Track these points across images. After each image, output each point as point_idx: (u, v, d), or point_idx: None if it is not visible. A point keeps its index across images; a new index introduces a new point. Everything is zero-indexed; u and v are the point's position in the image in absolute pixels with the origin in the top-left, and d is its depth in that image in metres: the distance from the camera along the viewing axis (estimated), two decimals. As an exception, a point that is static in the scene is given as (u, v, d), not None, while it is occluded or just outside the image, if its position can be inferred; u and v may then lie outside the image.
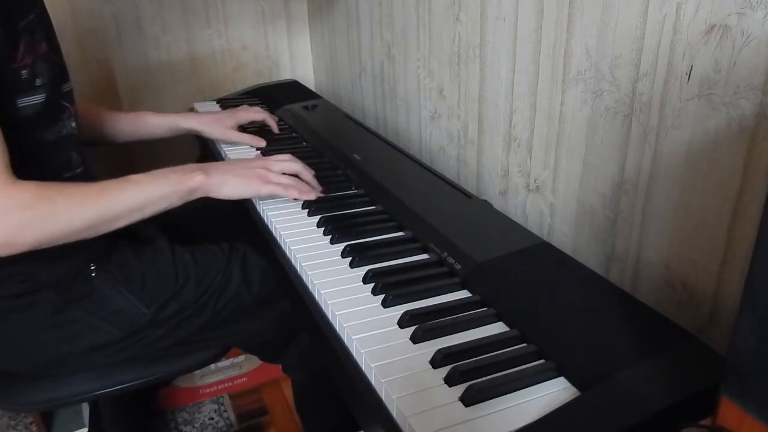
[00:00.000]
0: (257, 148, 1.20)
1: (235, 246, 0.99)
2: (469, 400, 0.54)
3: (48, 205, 0.74)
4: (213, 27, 1.67)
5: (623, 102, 0.74)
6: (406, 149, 1.17)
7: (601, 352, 0.59)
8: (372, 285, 0.72)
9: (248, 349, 1.14)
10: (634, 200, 0.76)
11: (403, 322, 0.65)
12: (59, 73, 0.86)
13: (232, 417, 1.50)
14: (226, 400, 1.55)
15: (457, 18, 1.05)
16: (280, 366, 1.13)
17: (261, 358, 1.18)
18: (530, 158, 0.93)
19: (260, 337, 1.02)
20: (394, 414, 0.55)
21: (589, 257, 0.85)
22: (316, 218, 0.89)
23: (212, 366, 1.54)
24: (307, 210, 0.92)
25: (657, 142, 0.71)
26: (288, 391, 1.55)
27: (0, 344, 0.86)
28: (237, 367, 1.57)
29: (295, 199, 0.92)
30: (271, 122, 1.28)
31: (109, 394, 0.94)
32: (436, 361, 0.59)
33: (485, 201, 0.92)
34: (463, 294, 0.71)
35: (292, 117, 1.37)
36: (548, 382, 0.57)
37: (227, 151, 1.21)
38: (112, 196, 0.79)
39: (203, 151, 1.39)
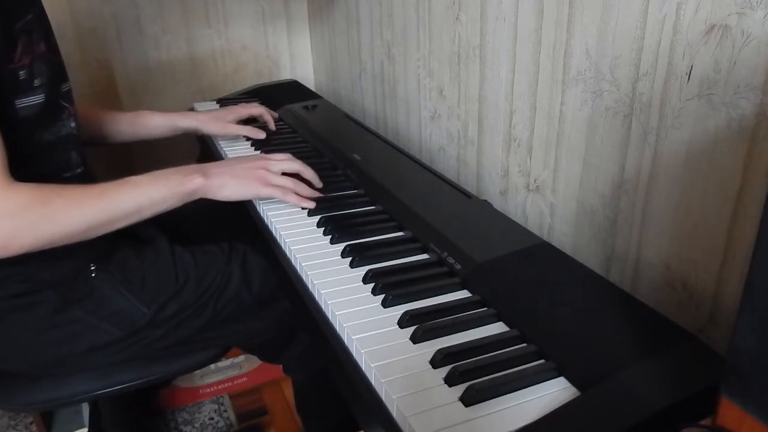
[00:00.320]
0: (256, 147, 1.20)
1: (235, 246, 0.99)
2: (469, 400, 0.54)
3: (45, 207, 0.74)
4: (213, 27, 1.67)
5: (623, 102, 0.74)
6: (406, 149, 1.17)
7: (601, 352, 0.59)
8: (372, 285, 0.72)
9: (248, 349, 1.14)
10: (634, 200, 0.76)
11: (403, 322, 0.65)
12: (58, 73, 0.86)
13: (232, 417, 1.50)
14: (226, 400, 1.55)
15: (457, 18, 1.05)
16: (280, 366, 1.13)
17: (261, 358, 1.18)
18: (530, 158, 0.93)
19: (260, 337, 1.02)
20: (394, 414, 0.55)
21: (589, 257, 0.85)
22: (316, 218, 0.89)
23: (212, 366, 1.54)
24: (307, 210, 0.92)
25: (657, 142, 0.71)
26: (288, 391, 1.55)
27: (0, 344, 0.86)
28: (237, 367, 1.57)
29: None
30: (268, 118, 1.28)
31: (109, 394, 0.94)
32: (436, 361, 0.59)
33: (485, 201, 0.92)
34: (463, 294, 0.71)
35: (292, 117, 1.37)
36: (548, 382, 0.57)
37: (227, 150, 1.21)
38: (110, 198, 0.79)
39: (203, 150, 1.39)
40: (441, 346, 0.60)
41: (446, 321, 0.65)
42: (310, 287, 0.75)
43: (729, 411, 0.45)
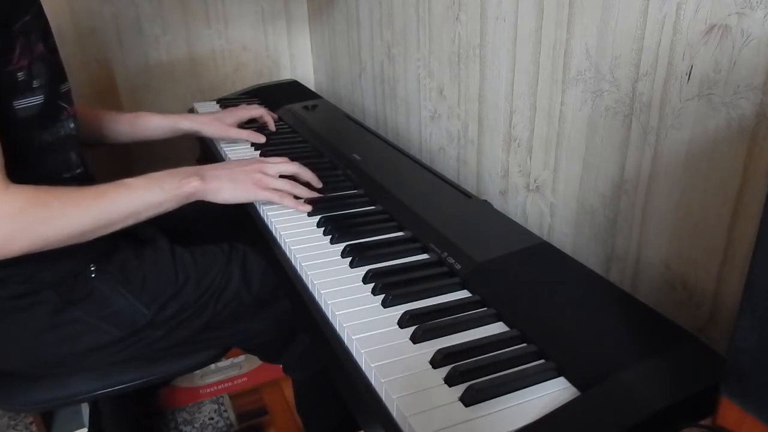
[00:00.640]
0: (256, 147, 1.20)
1: (235, 246, 0.99)
2: (469, 400, 0.54)
3: (43, 210, 0.74)
4: (213, 27, 1.67)
5: (623, 102, 0.74)
6: (406, 149, 1.17)
7: (601, 352, 0.59)
8: (372, 285, 0.72)
9: (248, 350, 1.14)
10: (634, 200, 0.76)
11: (403, 322, 0.65)
12: (57, 73, 0.86)
13: (232, 417, 1.50)
14: (226, 400, 1.55)
15: (457, 18, 1.05)
16: (280, 366, 1.13)
17: (261, 359, 1.18)
18: (530, 158, 0.93)
19: (260, 337, 1.02)
20: (394, 414, 0.55)
21: (589, 257, 0.85)
22: (316, 218, 0.89)
23: (212, 366, 1.54)
24: (310, 207, 0.92)
25: (657, 142, 0.71)
26: (288, 391, 1.55)
27: (0, 344, 0.86)
28: (237, 367, 1.57)
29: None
30: (268, 119, 1.28)
31: (109, 394, 0.94)
32: (436, 361, 0.59)
33: (485, 201, 0.92)
34: (463, 294, 0.71)
35: (292, 117, 1.37)
36: (548, 382, 0.57)
37: (227, 150, 1.21)
38: (107, 201, 0.79)
39: (203, 151, 1.39)
40: (441, 346, 0.60)
41: (446, 321, 0.65)
42: (310, 287, 0.75)
43: (729, 411, 0.45)
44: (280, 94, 1.55)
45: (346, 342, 0.65)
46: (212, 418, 1.50)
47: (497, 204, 1.00)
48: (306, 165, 0.97)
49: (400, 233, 0.86)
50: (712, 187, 0.65)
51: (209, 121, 1.20)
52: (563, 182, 0.88)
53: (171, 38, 1.63)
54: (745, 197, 0.62)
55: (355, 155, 1.09)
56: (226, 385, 1.57)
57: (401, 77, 1.30)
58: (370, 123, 1.45)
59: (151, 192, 0.83)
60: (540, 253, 0.76)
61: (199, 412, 1.51)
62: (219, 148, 1.23)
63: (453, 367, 0.57)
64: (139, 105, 1.62)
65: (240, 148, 1.22)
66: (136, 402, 1.40)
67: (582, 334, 0.61)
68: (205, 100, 1.63)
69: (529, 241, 0.78)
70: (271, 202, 0.92)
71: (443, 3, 1.08)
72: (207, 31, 1.67)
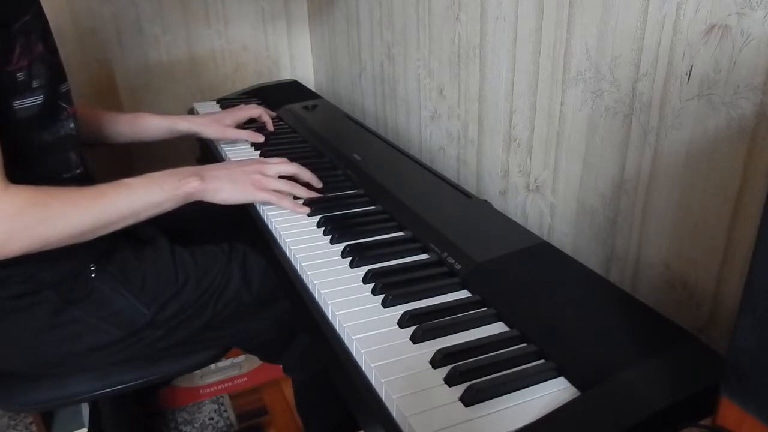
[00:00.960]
0: (256, 147, 1.20)
1: (235, 246, 0.99)
2: (469, 400, 0.54)
3: (42, 210, 0.74)
4: (213, 27, 1.67)
5: (623, 102, 0.74)
6: (406, 149, 1.17)
7: (601, 352, 0.59)
8: (372, 285, 0.72)
9: (248, 349, 1.14)
10: (634, 200, 0.76)
11: (403, 322, 0.65)
12: (57, 73, 0.86)
13: (232, 417, 1.50)
14: (226, 400, 1.55)
15: (457, 18, 1.05)
16: (280, 366, 1.13)
17: (261, 359, 1.18)
18: (530, 158, 0.93)
19: (260, 337, 1.02)
20: (394, 414, 0.55)
21: (589, 257, 0.85)
22: (316, 218, 0.89)
23: (212, 366, 1.54)
24: (308, 209, 0.92)
25: (657, 142, 0.71)
26: (288, 391, 1.55)
27: (0, 344, 0.86)
28: (237, 367, 1.57)
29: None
30: (267, 118, 1.28)
31: (109, 394, 0.94)
32: (436, 361, 0.59)
33: (485, 201, 0.92)
34: (463, 294, 0.71)
35: (292, 117, 1.37)
36: (548, 382, 0.57)
37: (227, 150, 1.21)
38: (106, 201, 0.79)
39: (203, 151, 1.39)
40: (441, 346, 0.60)
41: (446, 321, 0.65)
42: (310, 287, 0.75)
43: (729, 411, 0.45)
44: (280, 94, 1.55)
45: (346, 342, 0.65)
46: (212, 418, 1.50)
47: (497, 204, 1.00)
48: (306, 165, 0.97)
49: (400, 233, 0.86)
50: (712, 187, 0.65)
51: (208, 123, 1.20)
52: (563, 182, 0.88)
53: (171, 38, 1.63)
54: (745, 197, 0.62)
55: (355, 155, 1.09)
56: (226, 385, 1.57)
57: (401, 77, 1.30)
58: (370, 123, 1.45)
59: (150, 192, 0.83)
60: (540, 253, 0.76)
61: (199, 412, 1.51)
62: (219, 148, 1.23)
63: (453, 367, 0.57)
64: (139, 105, 1.62)
65: (240, 148, 1.22)
66: (136, 402, 1.40)
67: (582, 334, 0.61)
68: (205, 100, 1.63)
69: (529, 241, 0.78)
70: (268, 204, 0.92)
71: (443, 3, 1.08)
72: (207, 31, 1.67)
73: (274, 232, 0.89)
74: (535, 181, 0.93)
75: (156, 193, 0.83)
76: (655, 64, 0.69)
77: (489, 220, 0.86)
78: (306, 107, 1.42)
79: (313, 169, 0.98)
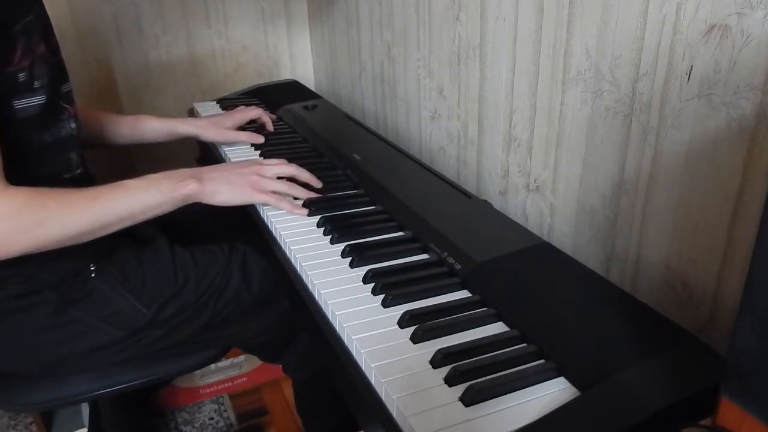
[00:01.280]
0: (256, 148, 1.20)
1: (235, 246, 0.99)
2: (469, 400, 0.54)
3: (39, 211, 0.74)
4: (213, 27, 1.67)
5: (623, 102, 0.74)
6: (406, 149, 1.17)
7: (601, 352, 0.59)
8: (372, 285, 0.72)
9: (248, 350, 1.14)
10: (634, 200, 0.76)
11: (403, 322, 0.65)
12: (58, 74, 0.86)
13: (232, 417, 1.50)
14: (226, 400, 1.55)
15: (457, 18, 1.05)
16: (280, 366, 1.13)
17: (261, 359, 1.18)
18: (530, 158, 0.93)
19: (260, 337, 1.02)
20: (394, 414, 0.55)
21: (589, 257, 0.85)
22: (316, 218, 0.89)
23: (212, 366, 1.54)
24: (307, 210, 0.92)
25: (657, 142, 0.71)
26: (288, 391, 1.54)
27: (0, 344, 0.86)
28: (237, 367, 1.57)
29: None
30: (266, 119, 1.29)
31: (109, 394, 0.94)
32: (436, 361, 0.59)
33: (485, 201, 0.92)
34: (463, 294, 0.71)
35: (292, 117, 1.37)
36: (548, 382, 0.57)
37: (227, 151, 1.21)
38: (104, 203, 0.79)
39: (203, 152, 1.39)
40: (441, 346, 0.60)
41: (446, 321, 0.65)
42: (310, 287, 0.75)
43: (729, 411, 0.45)
44: (280, 94, 1.55)
45: (346, 342, 0.65)
46: (212, 418, 1.50)
47: (497, 204, 1.00)
48: (306, 165, 0.97)
49: (400, 233, 0.86)
50: (712, 187, 0.65)
51: (207, 126, 1.20)
52: (563, 182, 0.88)
53: (171, 38, 1.63)
54: (745, 197, 0.62)
55: (355, 155, 1.09)
56: (226, 385, 1.57)
57: (401, 77, 1.30)
58: (370, 123, 1.45)
59: (148, 194, 0.83)
60: (540, 253, 0.76)
61: (199, 412, 1.51)
62: (219, 149, 1.23)
63: (453, 367, 0.57)
64: (139, 105, 1.62)
65: (240, 149, 1.22)
66: (136, 402, 1.40)
67: (582, 334, 0.61)
68: (205, 100, 1.63)
69: (529, 241, 0.78)
70: (266, 206, 0.92)
71: (443, 3, 1.08)
72: (207, 31, 1.67)
73: (274, 232, 0.89)
74: (535, 181, 0.93)
75: (154, 195, 0.83)
76: (655, 64, 0.69)
77: (489, 220, 0.86)
78: (306, 107, 1.42)
79: (313, 169, 0.98)
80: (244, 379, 1.58)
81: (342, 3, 1.52)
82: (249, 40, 1.72)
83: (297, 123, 1.33)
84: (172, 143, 1.21)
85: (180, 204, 0.86)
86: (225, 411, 1.52)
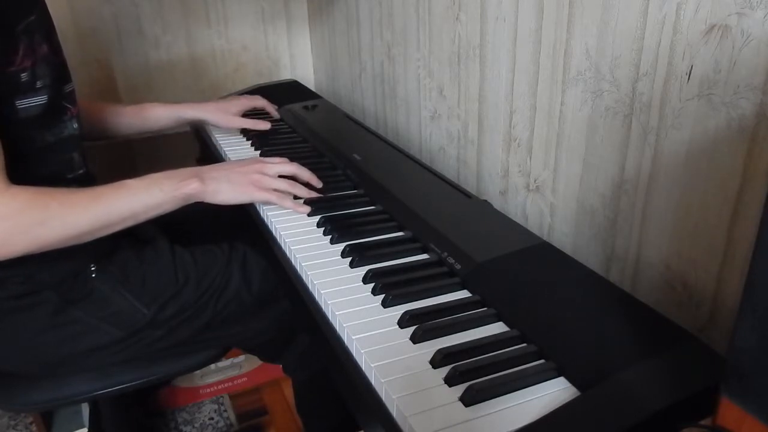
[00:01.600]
0: (256, 148, 1.21)
1: (235, 246, 0.99)
2: (469, 400, 0.54)
3: (41, 211, 0.74)
4: (213, 27, 1.67)
5: (623, 102, 0.74)
6: (406, 149, 1.17)
7: (601, 352, 0.59)
8: (372, 285, 0.72)
9: (248, 350, 1.14)
10: (634, 200, 0.76)
11: (403, 322, 0.65)
12: (61, 74, 0.86)
13: (232, 417, 1.50)
14: (226, 400, 1.55)
15: (457, 18, 1.05)
16: (280, 366, 1.13)
17: (261, 359, 1.18)
18: (530, 158, 0.93)
19: (260, 337, 1.02)
20: (394, 414, 0.55)
21: (589, 257, 0.85)
22: (316, 218, 0.89)
23: (212, 366, 1.54)
24: (309, 208, 0.92)
25: (657, 142, 0.71)
26: (288, 391, 1.54)
27: (0, 344, 0.86)
28: (237, 367, 1.57)
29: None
30: (270, 109, 1.31)
31: (109, 394, 0.94)
32: (436, 361, 0.59)
33: (485, 201, 0.92)
34: (463, 294, 0.71)
35: (292, 117, 1.37)
36: (548, 382, 0.57)
37: (227, 151, 1.21)
38: (106, 203, 0.79)
39: (203, 150, 1.39)
40: (441, 346, 0.60)
41: (446, 321, 0.65)
42: (310, 287, 0.75)
43: (729, 411, 0.45)
44: (280, 94, 1.55)
45: (346, 342, 0.65)
46: (212, 418, 1.50)
47: (497, 204, 1.00)
48: (306, 165, 0.97)
49: (400, 233, 0.86)
50: (712, 187, 0.65)
51: (214, 111, 1.20)
52: (563, 182, 0.88)
53: (171, 38, 1.63)
54: (745, 197, 0.62)
55: (355, 155, 1.09)
56: (226, 385, 1.57)
57: (401, 77, 1.30)
58: (370, 123, 1.45)
59: (149, 194, 0.83)
60: (540, 253, 0.76)
61: (199, 412, 1.51)
62: (219, 148, 1.23)
63: (453, 367, 0.57)
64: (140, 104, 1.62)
65: (239, 148, 1.22)
66: (136, 402, 1.40)
67: (582, 334, 0.61)
68: (205, 100, 1.62)
69: (529, 241, 0.78)
70: (268, 204, 0.92)
71: (443, 3, 1.08)
72: (207, 31, 1.67)
73: (274, 232, 0.89)
74: (535, 181, 0.93)
75: (156, 194, 0.83)
76: (655, 64, 0.69)
77: (489, 220, 0.86)
78: (306, 107, 1.42)
79: (313, 169, 0.98)
80: (244, 379, 1.58)
81: (342, 3, 1.52)
82: (249, 40, 1.72)
83: (297, 123, 1.33)
84: (172, 143, 1.21)
85: (182, 203, 0.86)
86: (225, 411, 1.52)
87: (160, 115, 1.15)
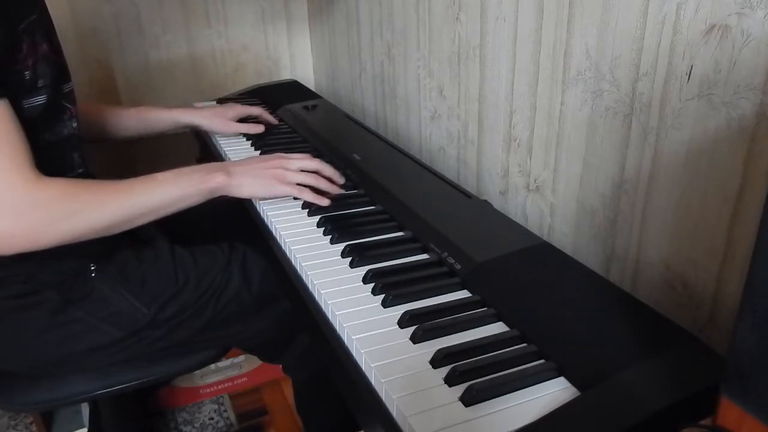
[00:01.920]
0: (256, 147, 1.21)
1: (235, 246, 0.99)
2: (469, 400, 0.54)
3: (74, 202, 0.75)
4: (213, 27, 1.67)
5: (623, 102, 0.74)
6: (406, 149, 1.17)
7: (601, 352, 0.59)
8: (372, 285, 0.72)
9: (248, 349, 1.14)
10: (634, 200, 0.76)
11: (403, 322, 0.65)
12: (60, 73, 0.86)
13: (232, 417, 1.50)
14: (226, 400, 1.55)
15: (457, 18, 1.05)
16: (280, 366, 1.13)
17: (261, 358, 1.18)
18: (530, 158, 0.93)
19: (260, 337, 1.02)
20: (394, 414, 0.55)
21: (589, 257, 0.85)
22: (316, 218, 0.89)
23: (212, 366, 1.54)
24: (307, 210, 0.92)
25: (657, 142, 0.71)
26: (288, 391, 1.55)
27: (0, 344, 0.86)
28: (237, 367, 1.57)
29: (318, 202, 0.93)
30: (268, 117, 1.31)
31: (109, 394, 0.94)
32: (436, 361, 0.59)
33: (485, 201, 0.92)
34: (463, 294, 0.71)
35: (292, 117, 1.37)
36: (548, 382, 0.57)
37: (227, 150, 1.21)
38: (136, 195, 0.81)
39: (203, 150, 1.39)
40: (441, 346, 0.60)
41: (446, 321, 0.65)
42: (310, 287, 0.75)
43: (729, 411, 0.45)
44: (280, 94, 1.55)
45: (346, 342, 0.65)
46: (212, 418, 1.50)
47: (497, 204, 1.00)
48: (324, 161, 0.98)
49: (400, 233, 0.86)
50: (712, 187, 0.65)
51: (210, 116, 1.22)
52: (563, 182, 0.87)
53: (171, 38, 1.63)
54: (745, 197, 0.62)
55: (355, 155, 1.09)
56: (226, 385, 1.57)
57: (401, 77, 1.30)
58: (370, 123, 1.45)
59: (178, 186, 0.84)
60: (540, 253, 0.76)
61: (199, 412, 1.52)
62: (218, 147, 1.23)
63: (453, 367, 0.57)
64: (139, 105, 1.61)
65: (239, 148, 1.22)
66: (136, 402, 1.40)
67: (582, 334, 0.61)
68: (205, 100, 1.62)
69: (529, 241, 0.78)
70: (275, 201, 0.93)
71: (443, 3, 1.08)
72: (207, 31, 1.66)
73: (274, 232, 0.89)
74: (535, 181, 0.93)
75: (183, 187, 0.84)
76: (655, 64, 0.69)
77: (489, 220, 0.86)
78: (306, 107, 1.42)
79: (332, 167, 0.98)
80: (244, 379, 1.58)
81: (342, 3, 1.52)
82: (249, 40, 1.72)
83: (297, 123, 1.33)
84: (172, 143, 1.21)
85: (208, 196, 0.87)
86: (225, 411, 1.52)
87: (158, 119, 1.17)
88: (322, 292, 0.72)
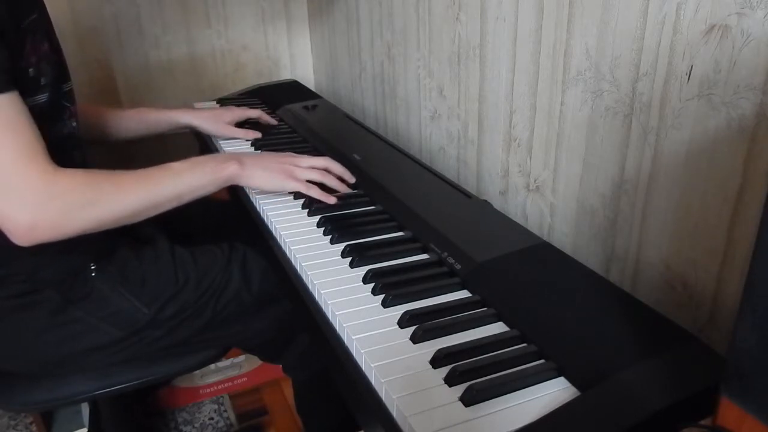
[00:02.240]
0: (256, 147, 1.21)
1: (235, 246, 0.99)
2: (469, 400, 0.54)
3: (95, 191, 0.76)
4: (213, 27, 1.67)
5: (623, 102, 0.74)
6: (406, 149, 1.17)
7: (601, 352, 0.59)
8: (372, 285, 0.72)
9: (248, 349, 1.14)
10: (634, 200, 0.76)
11: (403, 322, 0.65)
12: (60, 72, 0.86)
13: (232, 417, 1.50)
14: (226, 400, 1.55)
15: (457, 18, 1.05)
16: (280, 366, 1.13)
17: (261, 358, 1.18)
18: (530, 158, 0.93)
19: (260, 337, 1.02)
20: (394, 414, 0.55)
21: (589, 257, 0.85)
22: (316, 218, 0.89)
23: (212, 366, 1.54)
24: (307, 210, 0.92)
25: (657, 142, 0.71)
26: (288, 391, 1.55)
27: (0, 344, 0.86)
28: (237, 367, 1.57)
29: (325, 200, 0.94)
30: (267, 118, 1.31)
31: (109, 394, 0.94)
32: (436, 361, 0.59)
33: (485, 201, 0.92)
34: (463, 294, 0.71)
35: (292, 117, 1.37)
36: (548, 382, 0.57)
37: (227, 150, 1.21)
38: (155, 184, 0.82)
39: (202, 150, 1.38)
40: (441, 346, 0.60)
41: (446, 321, 0.65)
42: (310, 287, 0.75)
43: (729, 411, 0.45)
44: (280, 94, 1.55)
45: (346, 342, 0.65)
46: (212, 418, 1.50)
47: (497, 204, 1.00)
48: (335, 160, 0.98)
49: (400, 233, 0.86)
50: (712, 187, 0.65)
51: (207, 118, 1.23)
52: (563, 182, 0.87)
53: (171, 38, 1.63)
54: (745, 197, 0.62)
55: (355, 155, 1.09)
56: (226, 385, 1.57)
57: (401, 77, 1.30)
58: (370, 123, 1.45)
59: (194, 175, 0.85)
60: (540, 253, 0.76)
61: (199, 412, 1.52)
62: (219, 147, 1.23)
63: (453, 367, 0.57)
64: (139, 105, 1.61)
65: (239, 148, 1.22)
66: (136, 402, 1.40)
67: (582, 334, 0.61)
68: (205, 100, 1.62)
69: (529, 241, 0.78)
70: (273, 201, 0.93)
71: (443, 3, 1.08)
72: (207, 31, 1.66)
73: (274, 232, 0.89)
74: (535, 181, 0.93)
75: (199, 176, 0.86)
76: (655, 64, 0.69)
77: (489, 220, 0.86)
78: (306, 107, 1.42)
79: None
80: (244, 379, 1.58)
81: (342, 3, 1.52)
82: (249, 40, 1.72)
83: (297, 123, 1.33)
84: (172, 142, 1.21)
85: (223, 185, 0.89)
86: (225, 411, 1.52)
87: (157, 120, 1.18)
88: (322, 292, 0.72)
